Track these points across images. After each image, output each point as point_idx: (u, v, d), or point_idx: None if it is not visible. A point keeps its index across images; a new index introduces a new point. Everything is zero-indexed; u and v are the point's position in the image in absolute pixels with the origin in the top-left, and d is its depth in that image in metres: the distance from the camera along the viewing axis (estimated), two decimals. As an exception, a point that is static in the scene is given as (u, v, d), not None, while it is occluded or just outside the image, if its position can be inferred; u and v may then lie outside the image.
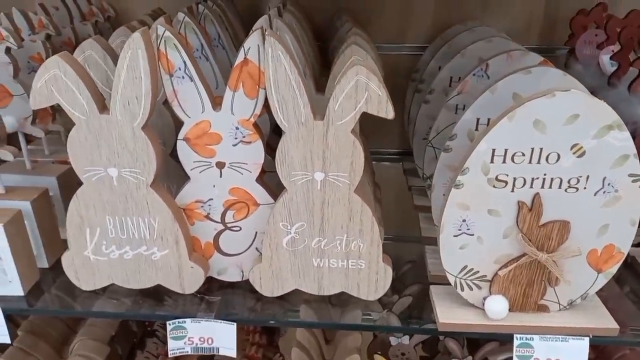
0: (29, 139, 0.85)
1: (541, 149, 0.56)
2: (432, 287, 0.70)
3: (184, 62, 0.59)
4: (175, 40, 0.58)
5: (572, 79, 0.63)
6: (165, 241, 0.67)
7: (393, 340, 1.04)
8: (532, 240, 0.61)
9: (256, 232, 0.70)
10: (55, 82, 0.58)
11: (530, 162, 0.57)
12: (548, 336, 0.64)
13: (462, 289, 0.65)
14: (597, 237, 0.61)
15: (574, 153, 0.56)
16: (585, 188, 0.58)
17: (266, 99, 0.61)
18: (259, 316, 0.70)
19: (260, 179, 0.67)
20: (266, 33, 0.56)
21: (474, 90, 0.72)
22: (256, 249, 0.71)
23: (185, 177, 0.69)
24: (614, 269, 0.63)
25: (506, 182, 0.58)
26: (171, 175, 0.75)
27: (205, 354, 0.71)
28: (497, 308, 0.64)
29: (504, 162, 0.57)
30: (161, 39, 0.58)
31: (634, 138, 0.55)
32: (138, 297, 0.72)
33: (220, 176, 0.66)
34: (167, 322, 0.68)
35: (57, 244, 0.79)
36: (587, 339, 0.64)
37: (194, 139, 0.64)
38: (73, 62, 0.58)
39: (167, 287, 0.71)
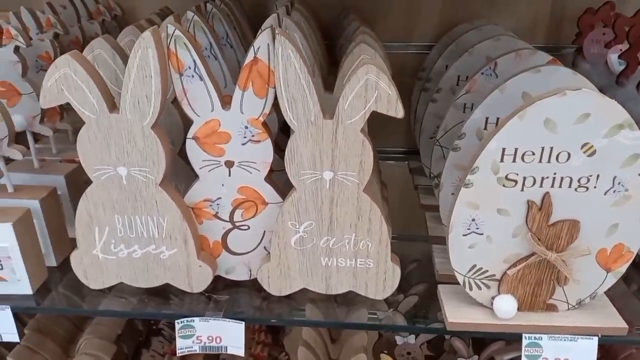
0: (37, 137, 0.85)
1: (551, 148, 0.56)
2: (440, 287, 0.70)
3: (194, 61, 0.60)
4: (185, 39, 0.58)
5: (582, 78, 0.63)
6: (174, 240, 0.67)
7: (399, 340, 1.04)
8: (541, 240, 0.61)
9: (264, 231, 0.70)
10: (66, 81, 0.58)
11: (540, 161, 0.57)
12: (557, 336, 0.64)
13: (471, 288, 0.65)
14: (606, 236, 0.61)
15: (584, 152, 0.56)
16: (595, 187, 0.58)
17: (275, 98, 0.61)
18: (266, 315, 0.70)
19: (269, 178, 0.67)
20: (276, 32, 0.56)
21: (483, 89, 0.72)
22: (264, 248, 0.71)
23: (193, 176, 0.69)
24: (623, 269, 0.63)
25: (516, 181, 0.58)
26: (179, 174, 0.75)
27: (213, 352, 0.71)
28: (506, 307, 0.64)
29: (514, 161, 0.57)
30: (171, 37, 0.58)
31: (643, 137, 0.55)
32: (146, 296, 0.72)
33: (229, 175, 0.66)
34: (176, 321, 0.68)
35: (65, 242, 0.79)
36: (595, 339, 0.64)
37: (203, 137, 0.64)
38: (83, 61, 0.58)
39: (175, 286, 0.71)
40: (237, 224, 0.69)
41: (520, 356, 0.89)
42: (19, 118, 0.77)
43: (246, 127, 0.63)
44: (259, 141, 0.64)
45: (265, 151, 0.65)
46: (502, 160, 0.57)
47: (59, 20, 0.85)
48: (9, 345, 0.97)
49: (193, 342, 0.69)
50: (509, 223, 0.61)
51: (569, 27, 1.03)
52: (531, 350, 0.64)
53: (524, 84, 0.63)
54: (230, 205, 0.68)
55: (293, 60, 0.56)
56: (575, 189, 0.58)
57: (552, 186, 0.58)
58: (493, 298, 0.65)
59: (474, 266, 0.64)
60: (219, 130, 0.63)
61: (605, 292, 0.65)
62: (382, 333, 1.03)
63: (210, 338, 0.69)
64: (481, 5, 1.05)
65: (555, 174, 0.58)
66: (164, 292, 0.72)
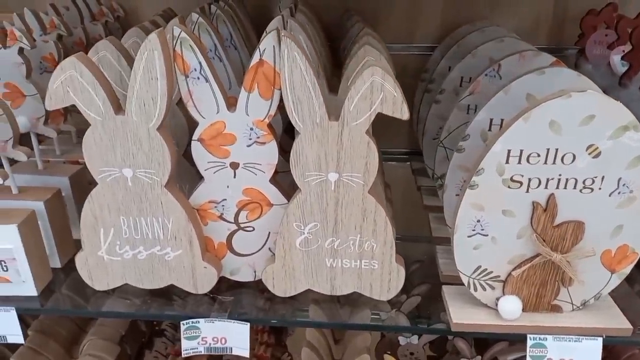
0: (40, 138, 0.85)
1: (557, 149, 0.56)
2: (445, 287, 0.70)
3: (200, 63, 0.60)
4: (191, 41, 0.58)
5: (587, 80, 0.63)
6: (179, 241, 0.68)
7: (402, 340, 1.04)
8: (546, 241, 0.61)
9: (269, 233, 0.70)
10: (72, 83, 0.58)
11: (545, 162, 0.57)
12: (561, 336, 0.64)
13: (476, 289, 0.65)
14: (611, 237, 0.61)
15: (589, 154, 0.56)
16: (600, 189, 0.58)
17: (280, 100, 0.61)
18: (270, 316, 0.70)
19: (274, 179, 0.67)
20: (282, 34, 0.56)
21: (486, 91, 0.72)
22: (269, 249, 0.71)
23: (197, 178, 0.69)
24: (627, 270, 0.63)
25: (521, 183, 0.58)
26: (183, 176, 0.75)
27: (217, 353, 0.71)
28: (511, 308, 0.64)
29: (519, 162, 0.57)
30: (177, 39, 0.58)
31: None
32: (150, 297, 0.72)
33: (234, 177, 0.66)
34: (181, 322, 0.68)
35: (69, 243, 0.79)
36: (600, 339, 0.64)
37: (209, 139, 0.64)
38: (89, 63, 0.58)
39: (180, 287, 0.71)
40: (242, 225, 0.69)
41: (523, 356, 0.90)
42: (23, 119, 0.77)
43: (251, 129, 0.63)
44: (264, 143, 0.64)
45: (270, 153, 0.65)
46: (507, 162, 0.57)
47: (62, 21, 0.85)
48: (12, 347, 0.97)
49: (198, 343, 0.69)
50: (513, 224, 0.61)
51: (571, 28, 1.03)
52: (536, 351, 0.65)
53: (528, 85, 0.63)
54: (235, 206, 0.68)
55: (299, 62, 0.57)
56: (580, 191, 0.58)
57: (557, 187, 0.58)
58: (498, 299, 0.65)
59: (479, 267, 0.64)
60: (225, 132, 0.63)
61: (609, 293, 0.66)
62: (385, 333, 1.03)
63: (215, 339, 0.69)
64: (483, 7, 1.06)
65: (560, 175, 0.58)
66: (168, 293, 0.72)
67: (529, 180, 0.58)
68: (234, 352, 0.70)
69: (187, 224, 0.66)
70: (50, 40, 0.82)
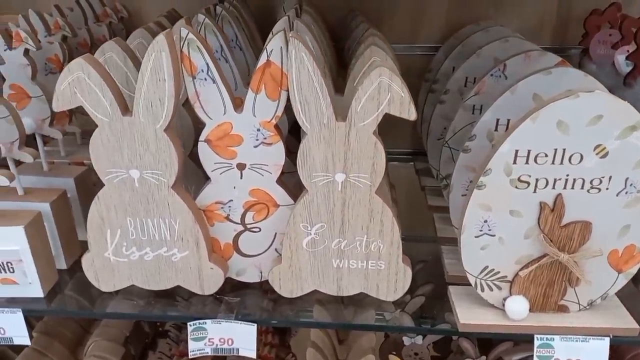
0: (44, 140, 0.85)
1: (564, 149, 0.56)
2: (451, 288, 0.70)
3: (207, 64, 0.60)
4: (198, 42, 0.58)
5: (593, 80, 0.63)
6: (186, 242, 0.68)
7: (406, 340, 1.04)
8: (553, 241, 0.61)
9: (276, 233, 0.70)
10: (79, 84, 0.58)
11: (553, 162, 0.57)
12: (569, 336, 0.64)
13: (483, 290, 0.65)
14: (618, 237, 0.61)
15: (597, 154, 0.56)
16: (607, 189, 0.58)
17: (286, 100, 0.61)
18: (276, 317, 0.70)
19: (280, 180, 0.67)
20: (290, 35, 0.56)
21: (492, 91, 0.73)
22: (275, 250, 0.71)
23: (203, 178, 0.69)
24: (634, 269, 0.63)
25: (528, 183, 0.59)
26: (189, 177, 0.75)
27: (223, 354, 0.71)
28: (518, 308, 0.64)
29: (526, 163, 0.57)
30: (184, 41, 0.58)
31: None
32: (155, 298, 0.72)
33: (241, 177, 0.66)
34: (188, 324, 0.68)
35: (74, 245, 0.79)
36: (607, 339, 0.64)
37: (215, 140, 0.64)
38: (96, 64, 0.58)
39: (186, 288, 0.71)
40: (249, 226, 0.69)
41: (528, 356, 0.90)
42: (29, 121, 0.77)
43: (258, 130, 0.63)
44: (270, 144, 0.64)
45: (277, 153, 0.65)
46: (514, 162, 0.57)
47: (67, 22, 0.85)
48: (17, 348, 0.97)
49: (205, 344, 0.69)
50: (521, 224, 0.61)
51: (575, 28, 1.03)
52: (543, 351, 0.65)
53: (535, 85, 0.63)
54: (241, 207, 0.68)
55: (306, 63, 0.57)
56: (588, 191, 0.58)
57: (565, 188, 0.58)
58: (504, 299, 0.65)
59: (486, 267, 0.64)
60: (231, 133, 0.63)
61: (615, 293, 0.66)
62: (389, 334, 1.03)
63: (222, 340, 0.69)
64: (487, 7, 1.06)
65: (567, 175, 0.58)
66: (173, 294, 0.72)
67: (537, 180, 0.58)
68: (241, 353, 0.70)
69: (193, 225, 0.66)
70: (55, 41, 0.82)
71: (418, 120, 1.06)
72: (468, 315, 0.66)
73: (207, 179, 0.68)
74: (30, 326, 0.98)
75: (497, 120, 0.66)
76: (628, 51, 0.86)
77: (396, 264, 0.68)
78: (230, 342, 0.69)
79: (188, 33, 0.58)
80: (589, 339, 0.64)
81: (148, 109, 0.59)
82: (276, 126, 0.64)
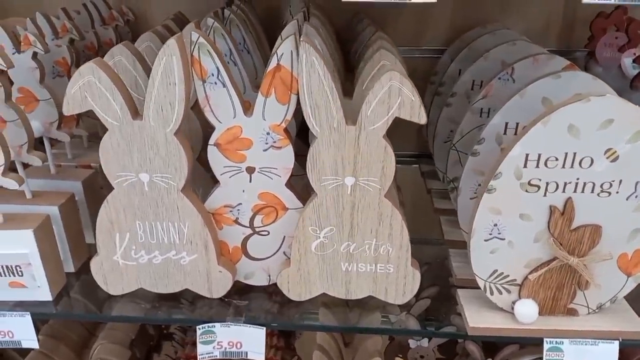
0: (51, 143, 0.85)
1: (575, 153, 0.56)
2: (460, 291, 0.71)
3: (217, 68, 0.60)
4: (209, 46, 0.58)
5: (602, 84, 0.63)
6: (195, 246, 0.68)
7: (412, 343, 1.04)
8: (563, 245, 0.61)
9: (284, 237, 0.70)
10: (90, 88, 0.58)
11: (563, 166, 0.57)
12: (578, 340, 0.64)
13: (492, 293, 0.65)
14: (627, 241, 0.61)
15: (607, 157, 0.56)
16: (617, 192, 0.58)
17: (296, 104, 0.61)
18: (283, 320, 0.70)
19: (289, 184, 0.67)
20: (301, 39, 0.56)
21: (500, 94, 0.72)
22: (284, 253, 0.71)
23: (211, 181, 0.69)
24: (643, 273, 0.63)
25: (539, 187, 0.59)
26: (196, 180, 0.75)
27: (229, 358, 0.71)
28: (528, 312, 0.64)
29: (537, 166, 0.57)
30: (195, 45, 0.58)
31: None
32: (162, 302, 0.72)
33: (250, 181, 0.66)
34: (197, 327, 0.68)
35: (82, 248, 0.79)
36: (616, 343, 0.64)
37: (225, 144, 0.64)
38: (107, 68, 0.58)
39: (194, 291, 0.71)
40: (257, 229, 0.69)
41: (534, 359, 0.90)
42: (36, 124, 0.77)
43: (268, 134, 0.63)
44: (280, 147, 0.64)
45: (286, 157, 0.65)
46: (525, 166, 0.57)
47: (74, 25, 0.85)
48: (22, 351, 0.97)
49: (214, 347, 0.69)
50: (531, 228, 0.61)
51: (580, 30, 1.03)
52: (552, 355, 0.65)
53: (544, 89, 0.63)
54: (250, 210, 0.68)
55: (317, 67, 0.57)
56: (598, 194, 0.58)
57: (575, 191, 0.59)
58: (514, 302, 0.65)
59: (495, 271, 0.64)
60: (241, 137, 0.63)
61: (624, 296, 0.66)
62: (395, 337, 1.03)
63: (230, 343, 0.69)
64: (492, 9, 1.06)
65: (578, 179, 0.58)
66: (180, 297, 0.72)
67: (547, 184, 0.58)
68: (249, 357, 0.70)
69: (202, 228, 0.66)
70: (63, 44, 0.82)
71: (424, 122, 1.06)
72: (477, 319, 0.66)
73: (215, 182, 0.68)
74: (36, 329, 0.98)
75: (506, 123, 0.66)
76: (635, 54, 0.86)
77: (405, 268, 0.68)
78: (239, 345, 0.69)
79: (199, 37, 0.58)
80: (598, 342, 0.64)
81: (158, 112, 0.59)
82: (285, 130, 0.64)
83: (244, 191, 0.67)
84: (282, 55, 0.59)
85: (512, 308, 0.65)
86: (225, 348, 0.69)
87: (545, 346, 0.65)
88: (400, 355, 0.99)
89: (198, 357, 0.69)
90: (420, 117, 0.58)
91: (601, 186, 0.58)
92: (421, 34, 1.10)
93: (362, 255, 0.67)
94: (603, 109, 0.54)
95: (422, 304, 0.74)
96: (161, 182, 0.64)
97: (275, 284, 0.71)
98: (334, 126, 0.60)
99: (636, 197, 0.58)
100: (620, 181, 0.58)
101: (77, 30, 0.85)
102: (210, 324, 0.68)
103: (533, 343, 0.79)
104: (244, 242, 0.70)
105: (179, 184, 0.64)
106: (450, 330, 0.70)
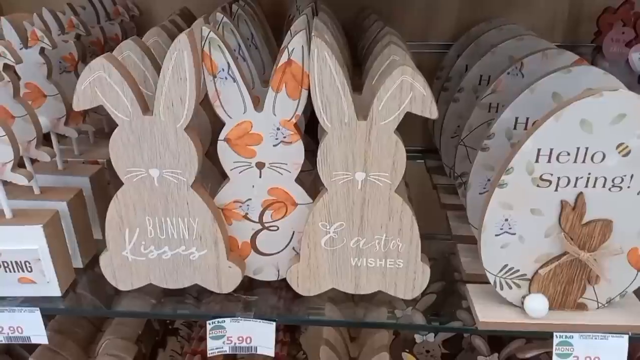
0: (58, 139, 0.85)
1: (587, 148, 0.56)
2: (469, 286, 0.71)
3: (228, 63, 0.60)
4: (219, 41, 0.58)
5: (613, 78, 0.63)
6: (204, 241, 0.68)
7: (418, 338, 1.04)
8: (573, 239, 0.61)
9: (294, 232, 0.70)
10: (100, 83, 0.58)
11: (575, 161, 0.57)
12: (588, 334, 0.64)
13: (502, 288, 0.65)
14: (638, 236, 0.61)
15: (619, 152, 0.56)
16: (629, 187, 0.58)
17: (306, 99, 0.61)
18: (290, 315, 0.70)
19: (299, 179, 0.67)
20: (313, 34, 0.56)
21: (508, 89, 0.72)
22: (293, 248, 0.71)
23: (220, 177, 0.69)
24: (654, 268, 0.63)
25: (550, 182, 0.59)
26: (206, 175, 0.75)
27: (234, 353, 0.71)
28: (538, 306, 0.64)
29: (548, 161, 0.57)
30: (206, 40, 0.58)
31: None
32: (170, 297, 0.72)
33: (260, 176, 0.66)
34: (207, 322, 0.68)
35: (90, 243, 0.79)
36: (626, 337, 0.64)
37: (235, 139, 0.64)
38: (117, 63, 0.58)
39: (204, 286, 0.71)
40: (267, 224, 0.69)
41: (542, 354, 0.90)
42: (44, 120, 0.77)
43: (278, 129, 0.63)
44: (290, 142, 0.64)
45: (296, 152, 0.65)
46: (537, 161, 0.57)
47: (81, 21, 0.85)
48: (29, 347, 0.97)
49: (223, 342, 0.69)
50: (541, 223, 0.61)
51: (586, 25, 1.03)
52: (562, 349, 0.65)
53: (555, 84, 0.63)
54: (260, 206, 0.68)
55: (329, 62, 0.57)
56: (609, 189, 0.58)
57: (586, 186, 0.59)
58: (524, 297, 0.65)
59: (506, 266, 0.64)
60: (251, 132, 0.63)
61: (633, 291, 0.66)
62: (400, 331, 1.04)
63: (240, 338, 0.69)
64: (498, 4, 1.06)
65: (589, 174, 0.58)
66: (189, 292, 0.72)
67: (558, 179, 0.58)
68: (259, 352, 0.70)
69: (212, 224, 0.66)
70: (70, 40, 0.82)
71: (429, 118, 1.06)
72: (487, 313, 0.66)
73: (224, 177, 0.68)
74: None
75: (516, 118, 0.66)
76: (642, 49, 0.86)
77: (415, 263, 0.68)
78: (248, 340, 0.69)
79: (209, 32, 0.58)
80: (608, 336, 0.64)
81: (169, 108, 0.59)
82: (296, 125, 0.64)
83: (253, 186, 0.67)
84: (293, 50, 0.59)
85: (522, 303, 0.65)
86: (235, 343, 0.69)
87: (555, 340, 0.65)
88: (407, 350, 0.99)
89: (208, 352, 0.69)
90: (431, 112, 0.58)
91: (612, 181, 0.58)
92: (427, 29, 1.10)
93: (371, 251, 0.67)
94: (615, 104, 0.54)
95: (427, 299, 0.74)
96: (171, 177, 0.63)
97: (281, 280, 0.71)
98: (345, 121, 0.60)
99: (647, 191, 0.58)
100: (632, 176, 0.58)
101: (84, 25, 0.85)
102: (220, 319, 0.68)
103: (540, 337, 0.79)
104: (254, 238, 0.70)
105: (189, 180, 0.64)
106: (457, 325, 0.70)
